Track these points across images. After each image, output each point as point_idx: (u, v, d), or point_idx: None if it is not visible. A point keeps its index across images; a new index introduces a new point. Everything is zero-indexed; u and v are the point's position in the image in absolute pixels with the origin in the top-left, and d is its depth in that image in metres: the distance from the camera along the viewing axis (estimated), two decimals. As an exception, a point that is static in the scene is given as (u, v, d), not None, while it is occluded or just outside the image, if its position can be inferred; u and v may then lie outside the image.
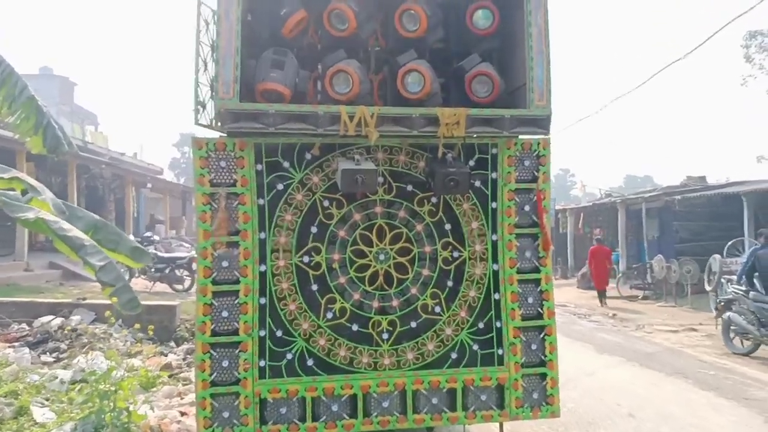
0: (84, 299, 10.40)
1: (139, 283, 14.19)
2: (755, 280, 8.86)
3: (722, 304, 9.51)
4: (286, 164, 3.98)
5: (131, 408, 5.41)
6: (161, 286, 14.23)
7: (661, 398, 6.61)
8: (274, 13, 4.04)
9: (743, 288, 9.00)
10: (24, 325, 9.53)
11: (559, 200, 37.75)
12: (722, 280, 11.20)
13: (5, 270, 13.20)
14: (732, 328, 9.16)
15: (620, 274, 18.63)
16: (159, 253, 14.81)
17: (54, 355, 8.39)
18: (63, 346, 8.77)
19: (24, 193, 5.73)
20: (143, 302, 6.14)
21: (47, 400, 6.45)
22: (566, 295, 17.69)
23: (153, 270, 14.14)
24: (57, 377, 6.78)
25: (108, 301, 5.12)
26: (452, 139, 4.03)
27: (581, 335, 10.31)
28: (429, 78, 3.97)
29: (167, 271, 14.16)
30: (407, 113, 3.87)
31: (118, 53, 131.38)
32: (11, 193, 5.91)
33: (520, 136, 4.23)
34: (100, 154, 19.79)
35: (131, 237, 18.89)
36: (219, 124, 3.78)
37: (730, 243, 14.26)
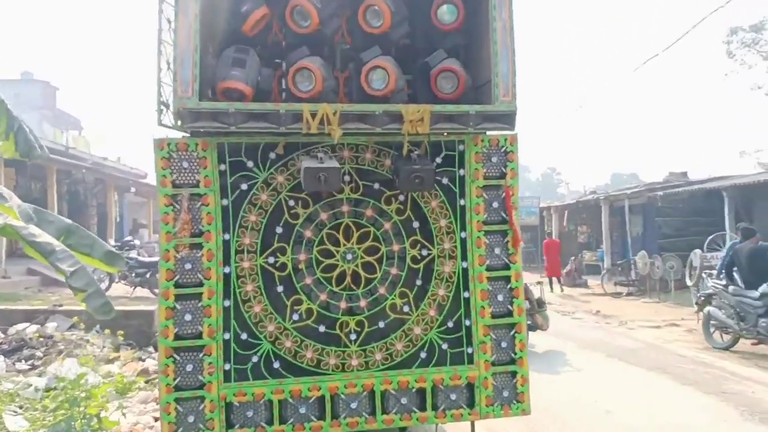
0: (60, 306, 10.28)
1: (119, 288, 14.07)
2: (734, 275, 8.90)
3: (702, 298, 9.53)
4: (250, 164, 3.92)
5: (103, 414, 5.33)
6: (143, 291, 14.11)
7: (640, 394, 6.61)
8: (237, 11, 3.98)
9: (722, 282, 9.03)
10: (-1, 333, 9.41)
11: (546, 198, 37.84)
12: (703, 274, 11.25)
13: (-25, 277, 13.03)
14: (712, 322, 9.19)
15: (604, 271, 18.69)
16: (140, 258, 14.68)
17: (29, 362, 8.30)
18: (39, 353, 8.68)
19: (-11, 200, 5.63)
20: (122, 308, 6.06)
21: (21, 408, 6.35)
22: (549, 293, 17.75)
23: (133, 275, 14.06)
24: (31, 385, 6.69)
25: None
26: (418, 137, 3.99)
27: (563, 332, 10.29)
28: (393, 75, 3.92)
29: (148, 275, 14.02)
30: (371, 110, 3.82)
31: (101, 57, 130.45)
32: (-20, 199, 5.80)
33: (488, 133, 4.19)
34: (81, 159, 19.55)
35: (111, 242, 18.75)
36: (179, 123, 3.71)
37: (710, 238, 14.34)
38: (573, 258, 20.98)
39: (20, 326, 9.28)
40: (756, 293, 8.31)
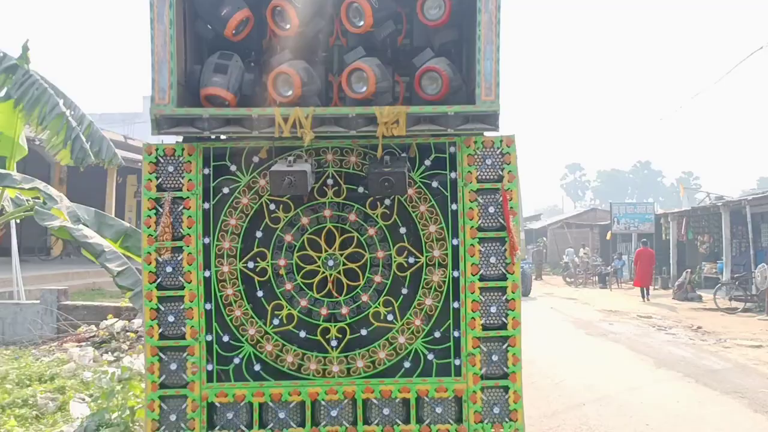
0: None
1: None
2: None
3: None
4: (233, 168, 3.96)
5: (139, 407, 5.61)
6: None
7: (701, 420, 5.97)
8: (219, 15, 4.02)
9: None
10: (93, 327, 10.27)
11: (680, 206, 35.34)
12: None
13: (93, 276, 14.25)
14: (816, 344, 8.15)
15: (719, 285, 17.14)
16: None
17: (115, 354, 8.99)
18: (124, 346, 9.37)
19: (44, 202, 6.13)
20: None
21: (90, 396, 6.86)
22: (655, 307, 16.58)
23: None
24: (106, 375, 7.20)
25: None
26: (407, 139, 3.87)
27: (648, 348, 9.55)
28: (373, 77, 3.80)
29: None
30: (344, 113, 3.75)
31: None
32: (40, 201, 6.31)
33: (486, 134, 3.98)
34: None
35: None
36: (156, 130, 3.82)
37: (836, 250, 12.73)
38: (688, 270, 19.43)
39: (110, 321, 10.06)
40: None
